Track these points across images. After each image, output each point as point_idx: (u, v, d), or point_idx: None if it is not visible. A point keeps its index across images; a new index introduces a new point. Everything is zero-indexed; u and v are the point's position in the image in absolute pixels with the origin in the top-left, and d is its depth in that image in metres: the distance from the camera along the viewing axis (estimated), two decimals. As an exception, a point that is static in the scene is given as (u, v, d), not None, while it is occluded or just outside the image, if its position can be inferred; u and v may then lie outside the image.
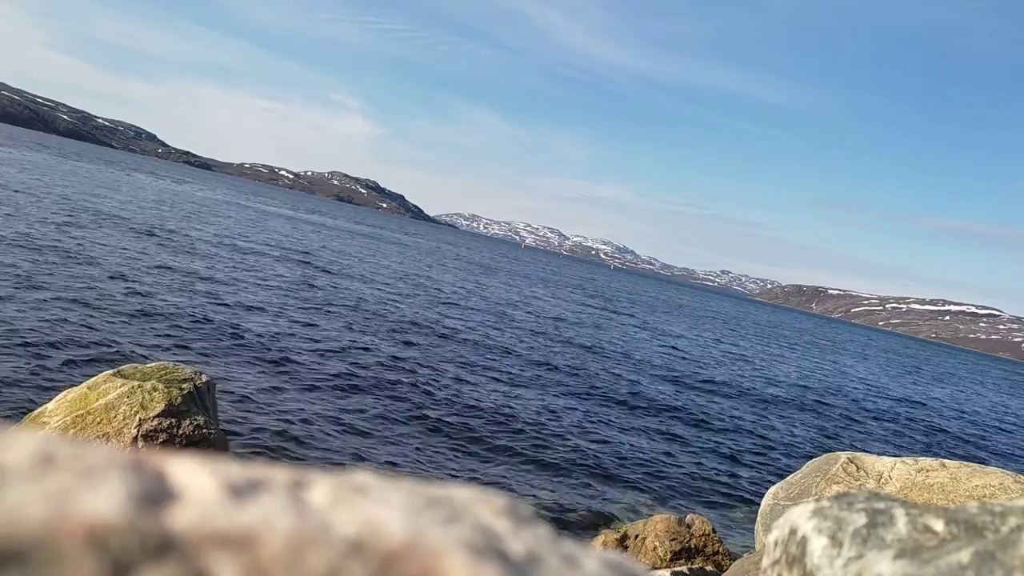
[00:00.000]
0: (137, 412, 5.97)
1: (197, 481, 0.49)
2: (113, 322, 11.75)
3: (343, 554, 0.44)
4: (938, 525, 0.98)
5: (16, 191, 28.61)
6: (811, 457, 7.41)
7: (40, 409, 6.31)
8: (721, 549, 7.47)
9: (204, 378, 6.73)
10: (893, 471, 5.62)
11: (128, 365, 6.73)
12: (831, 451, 7.87)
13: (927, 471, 5.49)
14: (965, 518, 0.98)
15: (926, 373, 56.33)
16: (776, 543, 1.11)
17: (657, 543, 7.27)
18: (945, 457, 7.22)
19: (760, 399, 20.12)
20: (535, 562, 0.51)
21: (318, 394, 10.65)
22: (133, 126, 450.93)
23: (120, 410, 5.96)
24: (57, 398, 6.28)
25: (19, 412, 7.08)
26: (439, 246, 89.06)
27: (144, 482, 0.46)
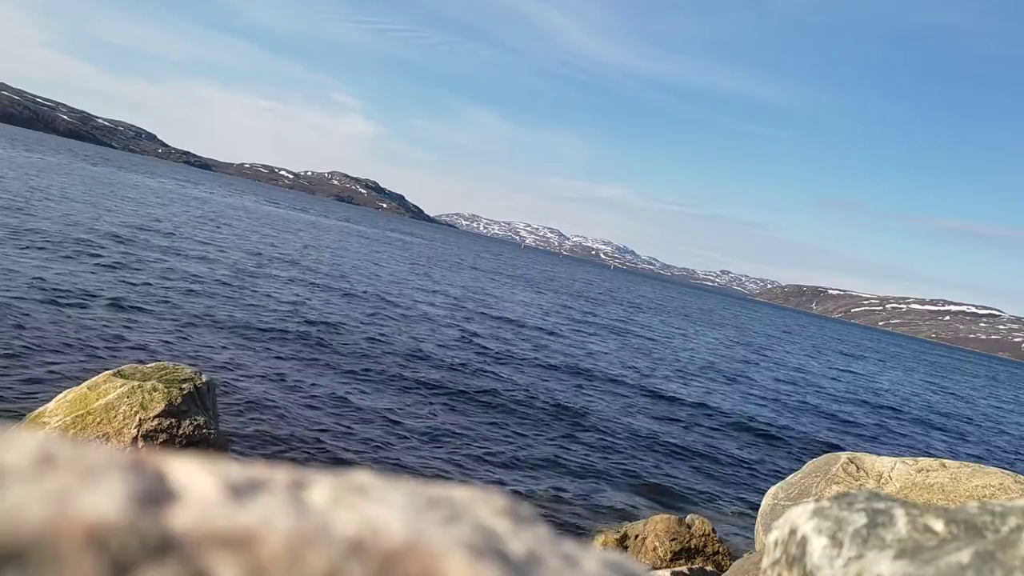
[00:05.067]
0: (137, 412, 5.97)
1: (197, 481, 0.49)
2: (113, 322, 11.75)
3: (343, 554, 0.44)
4: (938, 525, 0.98)
5: (6, 190, 28.62)
6: (811, 457, 7.41)
7: (40, 409, 6.31)
8: (721, 549, 7.47)
9: (204, 378, 6.73)
10: (893, 471, 5.63)
11: (128, 365, 6.73)
12: (831, 451, 7.87)
13: (927, 471, 5.49)
14: (965, 518, 0.98)
15: (927, 373, 56.34)
16: (776, 543, 1.11)
17: (657, 543, 7.27)
18: (945, 457, 7.22)
19: (760, 399, 20.12)
20: (535, 562, 0.51)
21: (318, 394, 10.65)
22: (133, 126, 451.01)
23: (120, 410, 5.96)
24: (57, 398, 6.28)
25: (19, 412, 7.08)
26: (443, 247, 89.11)
27: (144, 482, 0.46)
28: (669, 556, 7.18)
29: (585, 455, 10.80)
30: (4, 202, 23.73)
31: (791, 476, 6.26)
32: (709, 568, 6.72)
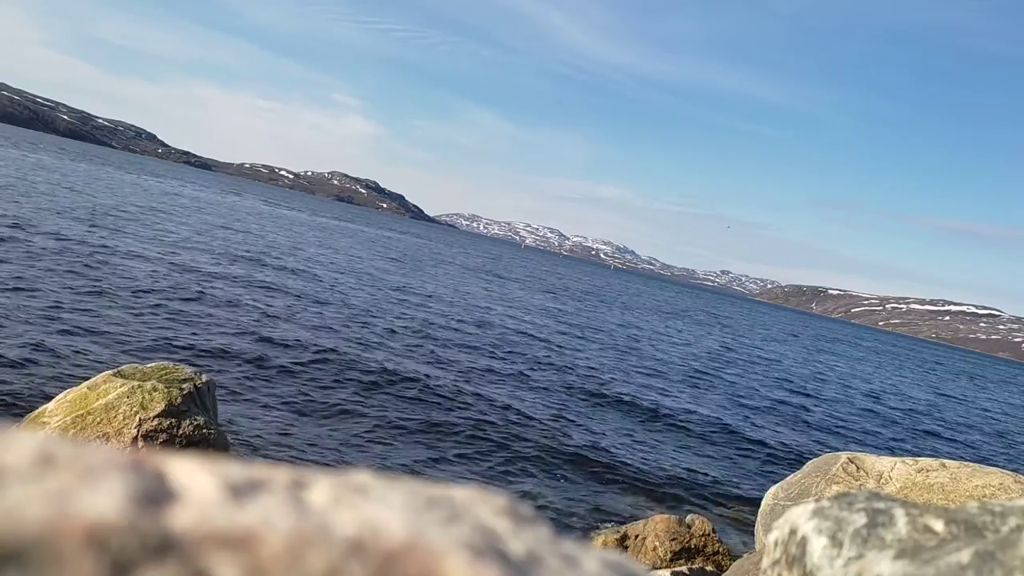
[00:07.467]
0: (137, 412, 5.97)
1: (197, 481, 0.49)
2: (113, 322, 11.75)
3: (343, 554, 0.44)
4: (938, 525, 0.98)
5: (4, 188, 28.62)
6: (811, 457, 7.41)
7: (40, 409, 6.31)
8: (721, 549, 7.47)
9: (204, 378, 6.73)
10: (893, 471, 5.63)
11: (128, 365, 6.73)
12: (831, 451, 7.87)
13: (927, 471, 5.49)
14: (965, 518, 0.98)
15: (926, 374, 56.33)
16: (776, 543, 1.11)
17: (657, 543, 7.27)
18: (945, 457, 7.22)
19: (760, 399, 20.12)
20: (535, 562, 0.51)
21: (318, 394, 10.65)
22: (133, 126, 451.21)
23: (120, 410, 5.96)
24: (57, 398, 6.28)
25: (19, 412, 7.08)
26: (443, 248, 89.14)
27: (144, 482, 0.46)
28: (669, 556, 7.18)
29: (584, 455, 10.80)
30: (5, 202, 23.74)
31: (791, 476, 6.26)
32: (709, 568, 6.72)
